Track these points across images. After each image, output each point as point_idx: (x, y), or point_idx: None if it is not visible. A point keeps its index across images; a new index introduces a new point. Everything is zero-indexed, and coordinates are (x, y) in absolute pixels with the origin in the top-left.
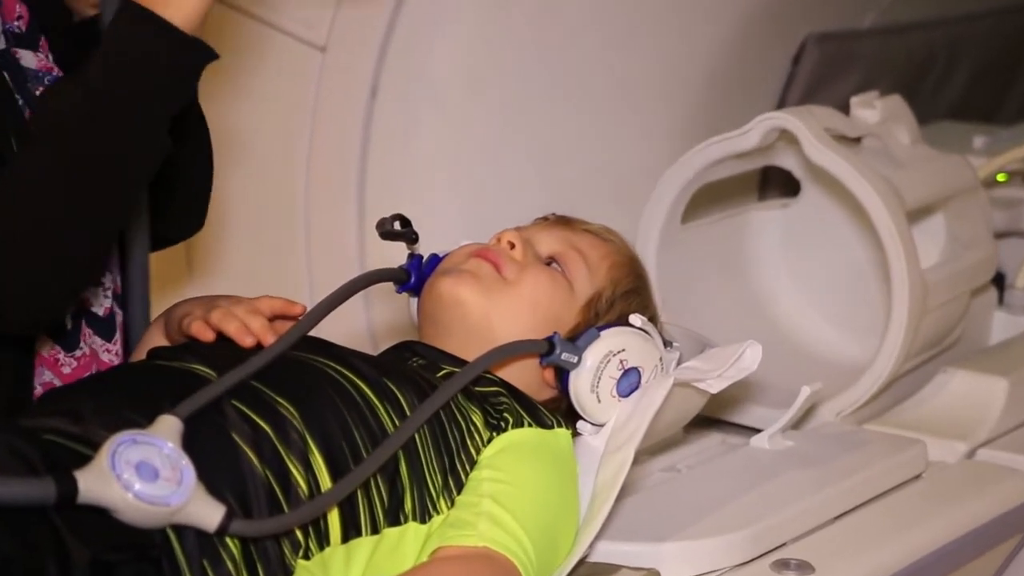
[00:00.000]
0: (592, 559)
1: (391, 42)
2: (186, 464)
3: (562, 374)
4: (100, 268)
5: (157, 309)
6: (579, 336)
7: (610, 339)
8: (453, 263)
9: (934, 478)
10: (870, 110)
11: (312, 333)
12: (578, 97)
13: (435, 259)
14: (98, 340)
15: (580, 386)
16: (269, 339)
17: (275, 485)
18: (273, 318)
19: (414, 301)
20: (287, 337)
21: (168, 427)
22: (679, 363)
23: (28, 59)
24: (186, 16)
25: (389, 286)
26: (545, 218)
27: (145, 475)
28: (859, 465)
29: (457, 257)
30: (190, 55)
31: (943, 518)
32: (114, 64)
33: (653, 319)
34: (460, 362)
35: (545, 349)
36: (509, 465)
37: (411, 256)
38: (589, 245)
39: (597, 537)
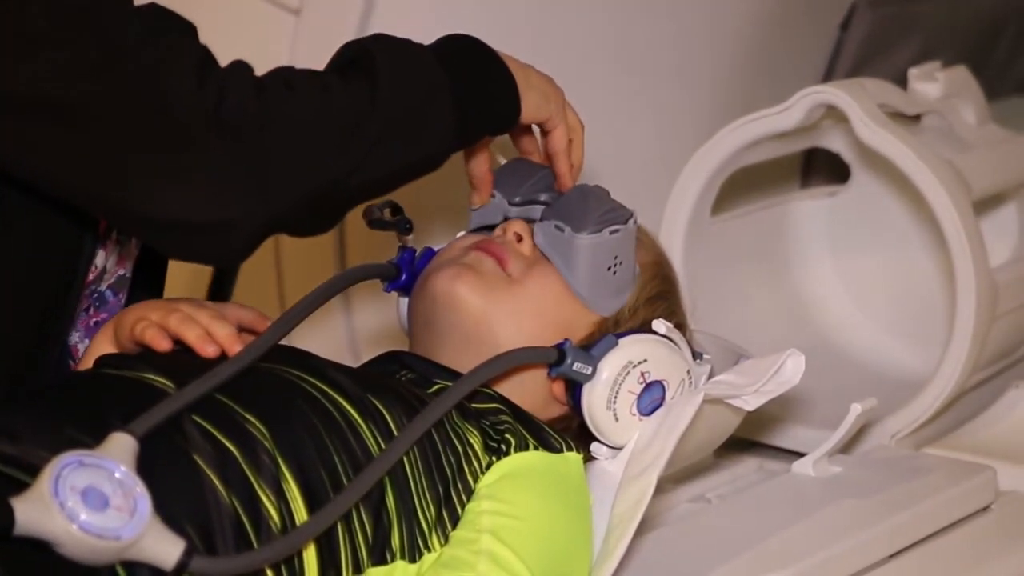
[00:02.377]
0: None
1: (374, 5)
2: (140, 491)
3: (574, 388)
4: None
5: None
6: (594, 344)
7: (630, 348)
8: (449, 256)
9: (1005, 510)
10: (931, 83)
11: (284, 341)
12: (590, 69)
13: (429, 253)
14: None
15: (595, 402)
16: (235, 349)
17: (243, 516)
18: (240, 330)
19: (404, 302)
20: (257, 345)
21: (120, 447)
22: (710, 377)
23: None
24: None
25: (373, 286)
26: None
27: (93, 503)
28: (918, 495)
29: (454, 250)
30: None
31: (1016, 556)
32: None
33: (681, 327)
34: (456, 375)
35: (554, 358)
36: (512, 495)
37: (402, 249)
38: None
39: None
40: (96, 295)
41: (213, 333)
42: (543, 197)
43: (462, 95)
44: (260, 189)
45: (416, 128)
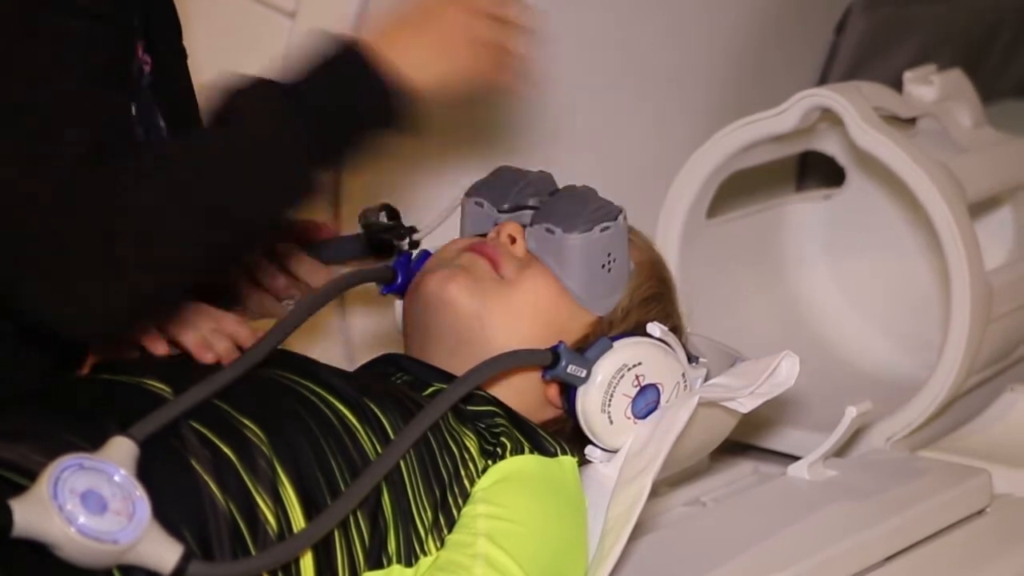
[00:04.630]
0: None
1: (369, 8)
2: (139, 495)
3: (568, 391)
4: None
5: None
6: (589, 347)
7: (624, 351)
8: (443, 259)
9: (1000, 513)
10: (926, 87)
11: (281, 345)
12: (587, 72)
13: (425, 255)
14: None
15: (589, 405)
16: (232, 358)
17: (240, 521)
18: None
19: (400, 305)
20: (255, 350)
21: (121, 451)
22: (706, 380)
23: None
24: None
25: (369, 288)
26: None
27: (92, 507)
28: (913, 498)
29: (448, 252)
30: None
31: (1011, 559)
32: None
33: (676, 330)
34: (451, 378)
35: (548, 361)
36: (507, 499)
37: (399, 252)
38: None
39: None
40: None
41: (212, 343)
42: (531, 202)
43: (311, 112)
44: (109, 276)
45: (269, 166)
